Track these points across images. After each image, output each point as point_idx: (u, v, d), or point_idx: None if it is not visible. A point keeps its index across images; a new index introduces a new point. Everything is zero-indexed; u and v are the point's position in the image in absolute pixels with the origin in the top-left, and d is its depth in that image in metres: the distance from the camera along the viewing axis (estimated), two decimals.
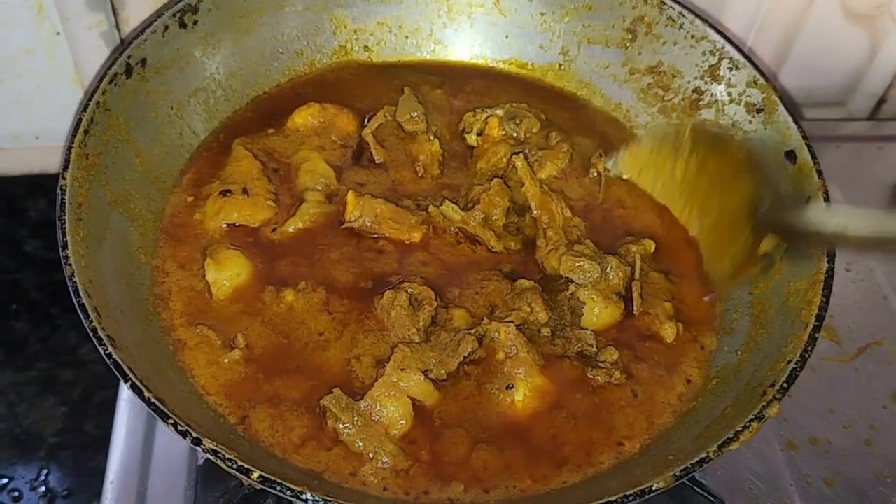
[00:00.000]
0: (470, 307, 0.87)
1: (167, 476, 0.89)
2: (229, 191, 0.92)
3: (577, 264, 0.88)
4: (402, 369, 0.79)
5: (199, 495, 0.87)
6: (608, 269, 0.89)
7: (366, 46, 1.11)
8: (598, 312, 0.88)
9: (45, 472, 1.06)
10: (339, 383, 0.80)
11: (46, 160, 1.19)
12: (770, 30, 1.23)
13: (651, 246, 0.94)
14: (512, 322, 0.84)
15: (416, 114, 1.02)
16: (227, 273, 0.86)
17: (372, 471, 0.76)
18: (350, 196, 0.92)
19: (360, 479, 0.75)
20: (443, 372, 0.81)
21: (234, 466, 0.64)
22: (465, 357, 0.81)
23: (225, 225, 0.91)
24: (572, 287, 0.89)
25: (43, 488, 1.05)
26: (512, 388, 0.81)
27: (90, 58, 1.11)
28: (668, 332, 0.88)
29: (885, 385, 1.03)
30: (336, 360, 0.83)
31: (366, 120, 1.01)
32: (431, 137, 1.00)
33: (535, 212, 0.95)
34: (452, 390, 0.82)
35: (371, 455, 0.76)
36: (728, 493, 0.91)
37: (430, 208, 0.94)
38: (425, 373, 0.81)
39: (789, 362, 0.73)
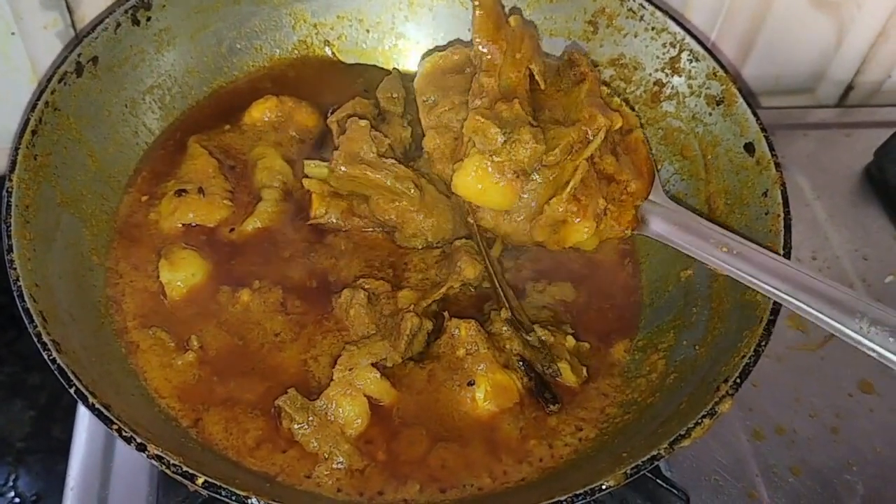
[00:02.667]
0: (413, 283, 0.87)
1: (128, 481, 0.88)
2: (185, 190, 0.91)
3: (479, 124, 0.79)
4: (349, 369, 0.78)
5: (161, 500, 0.86)
6: (516, 141, 0.78)
7: (326, 41, 1.10)
8: (481, 187, 0.80)
9: (13, 477, 1.05)
10: (295, 384, 0.79)
11: (5, 161, 1.18)
12: (736, 18, 1.23)
13: (618, 121, 0.85)
14: (453, 287, 0.84)
15: (396, 95, 1.00)
16: (182, 274, 0.85)
17: (327, 472, 0.75)
18: (314, 194, 0.91)
19: (314, 481, 0.75)
20: (397, 357, 0.80)
21: (179, 472, 0.63)
22: (410, 334, 0.80)
23: (181, 225, 0.90)
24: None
25: (12, 493, 1.04)
26: (473, 384, 0.81)
27: (46, 57, 1.09)
28: (581, 231, 0.82)
29: (850, 373, 1.03)
30: (292, 361, 0.82)
31: (329, 112, 1.00)
32: (405, 124, 0.99)
33: (477, 42, 0.86)
34: (412, 387, 0.81)
35: (326, 455, 0.76)
36: (693, 485, 0.91)
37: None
38: (381, 364, 0.80)
39: (743, 357, 0.72)
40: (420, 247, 0.91)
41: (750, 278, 0.75)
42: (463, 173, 0.81)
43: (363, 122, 0.90)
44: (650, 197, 0.87)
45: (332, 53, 1.11)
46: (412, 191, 0.87)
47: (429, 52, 0.99)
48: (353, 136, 0.89)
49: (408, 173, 0.88)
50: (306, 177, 0.92)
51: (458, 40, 1.07)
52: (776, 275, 0.73)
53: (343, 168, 0.87)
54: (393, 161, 0.88)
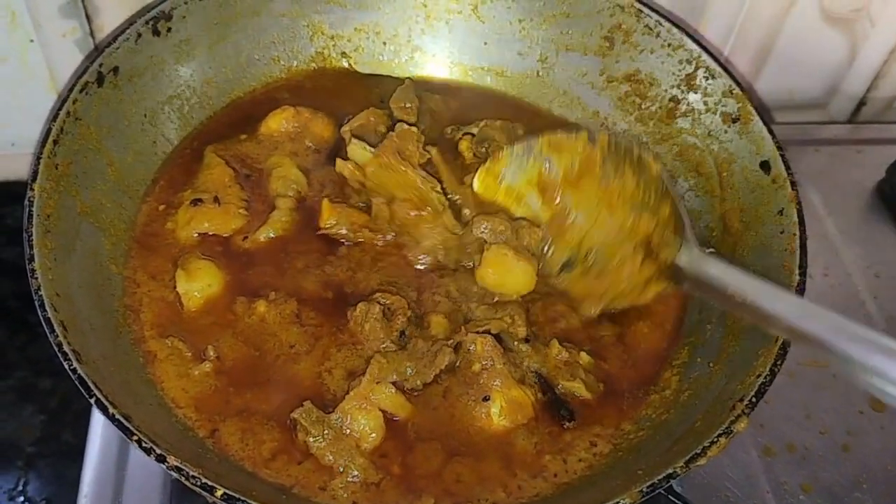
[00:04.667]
0: (445, 310, 0.87)
1: (142, 488, 0.88)
2: (200, 200, 0.91)
3: (487, 221, 0.90)
4: (377, 382, 0.78)
5: None
6: (518, 228, 0.89)
7: (343, 53, 1.10)
8: (513, 274, 0.88)
9: (23, 481, 1.05)
10: (310, 396, 0.79)
11: (22, 167, 1.18)
12: (749, 33, 1.23)
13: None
14: (489, 330, 0.84)
15: (409, 105, 1.01)
16: (199, 284, 0.86)
17: (342, 484, 0.75)
18: (325, 203, 0.92)
19: (329, 494, 0.75)
20: (419, 382, 0.81)
21: (199, 483, 0.63)
22: (441, 369, 0.81)
23: (196, 234, 0.91)
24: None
25: (22, 498, 1.04)
26: (488, 399, 0.81)
27: (64, 65, 1.10)
28: None
29: (862, 390, 1.02)
30: (307, 373, 0.82)
31: (345, 120, 1.01)
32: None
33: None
34: (427, 402, 0.81)
35: (341, 469, 0.76)
36: (704, 500, 0.91)
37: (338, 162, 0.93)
38: (401, 382, 0.80)
39: (758, 376, 0.73)
40: (428, 265, 0.91)
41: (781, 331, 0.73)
42: (487, 265, 0.89)
43: (413, 129, 0.93)
44: (679, 256, 0.83)
45: (349, 65, 1.11)
46: (443, 202, 0.89)
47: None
48: (402, 136, 0.91)
49: (440, 188, 0.90)
50: (345, 159, 0.94)
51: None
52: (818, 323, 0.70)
53: (390, 157, 0.89)
54: (431, 176, 0.91)
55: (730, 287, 0.77)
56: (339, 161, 0.93)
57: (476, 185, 0.95)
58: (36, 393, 1.11)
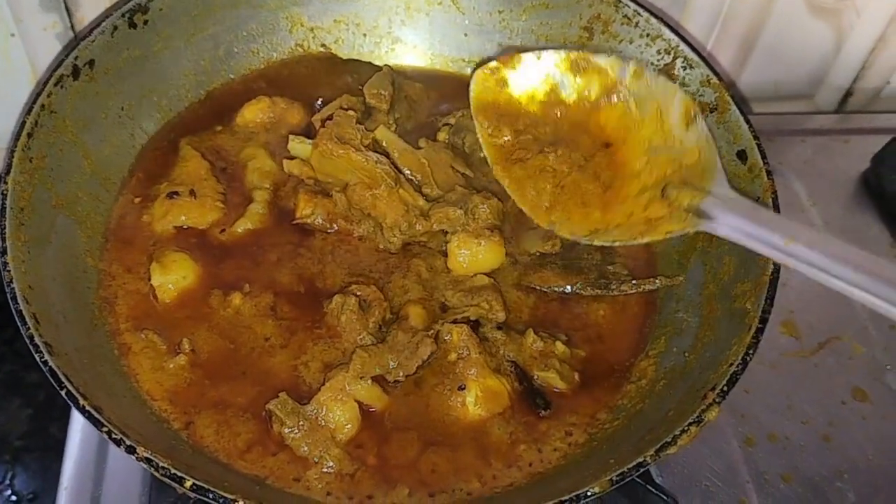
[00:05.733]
0: (418, 297, 0.87)
1: (122, 481, 0.88)
2: (177, 193, 0.91)
3: (440, 213, 0.90)
4: (361, 376, 0.78)
5: (153, 500, 0.87)
6: (472, 207, 0.89)
7: (323, 45, 1.10)
8: (481, 256, 0.89)
9: (10, 475, 1.05)
10: (285, 388, 0.79)
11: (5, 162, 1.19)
12: (734, 23, 1.23)
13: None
14: (468, 317, 0.84)
15: (384, 92, 1.00)
16: (173, 277, 0.86)
17: (316, 475, 0.75)
18: (301, 194, 0.92)
19: (303, 485, 0.75)
20: (401, 374, 0.81)
21: (168, 474, 0.64)
22: (423, 360, 0.81)
23: (173, 227, 0.90)
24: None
25: (9, 491, 1.04)
26: (464, 389, 0.81)
27: (46, 58, 1.09)
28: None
29: (844, 380, 1.03)
30: (283, 366, 0.82)
31: (318, 108, 1.00)
32: (391, 121, 0.99)
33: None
34: (403, 393, 0.81)
35: (316, 459, 0.76)
36: (684, 491, 0.91)
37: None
38: (383, 376, 0.80)
39: (730, 365, 0.72)
40: (398, 246, 0.91)
41: (818, 272, 0.69)
42: (453, 255, 0.90)
43: (350, 112, 0.93)
44: (712, 191, 0.77)
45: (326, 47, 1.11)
46: (392, 175, 0.89)
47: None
48: (340, 122, 0.92)
49: (387, 163, 0.91)
50: (288, 158, 0.94)
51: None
52: (853, 266, 0.67)
53: (328, 144, 0.89)
54: (375, 154, 0.91)
55: (751, 240, 0.73)
56: (285, 162, 0.94)
57: (473, 85, 0.88)
58: (23, 387, 1.11)
